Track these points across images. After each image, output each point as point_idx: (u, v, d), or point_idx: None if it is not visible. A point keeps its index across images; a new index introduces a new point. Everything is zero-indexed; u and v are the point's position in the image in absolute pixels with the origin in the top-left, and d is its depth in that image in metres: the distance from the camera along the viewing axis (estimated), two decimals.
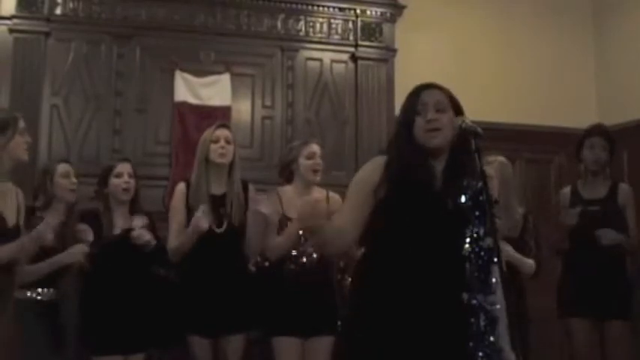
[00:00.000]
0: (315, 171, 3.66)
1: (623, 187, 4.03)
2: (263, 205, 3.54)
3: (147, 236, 3.50)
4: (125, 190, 3.64)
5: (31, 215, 3.37)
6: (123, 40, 4.90)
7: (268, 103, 5.12)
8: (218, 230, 3.55)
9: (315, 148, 3.70)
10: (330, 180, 4.08)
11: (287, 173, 3.76)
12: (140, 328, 3.54)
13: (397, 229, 2.14)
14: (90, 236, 3.45)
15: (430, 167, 2.19)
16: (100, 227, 3.56)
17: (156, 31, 4.95)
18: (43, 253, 3.27)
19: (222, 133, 3.66)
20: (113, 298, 3.46)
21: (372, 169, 2.24)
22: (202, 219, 3.43)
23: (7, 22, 4.71)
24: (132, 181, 3.66)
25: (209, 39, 5.06)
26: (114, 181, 3.63)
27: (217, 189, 3.64)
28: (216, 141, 3.62)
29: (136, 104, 4.88)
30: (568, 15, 5.98)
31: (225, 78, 4.98)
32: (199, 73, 4.95)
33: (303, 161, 3.67)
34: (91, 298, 3.51)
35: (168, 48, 4.94)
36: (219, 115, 4.86)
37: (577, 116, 5.78)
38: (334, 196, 3.72)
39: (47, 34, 4.76)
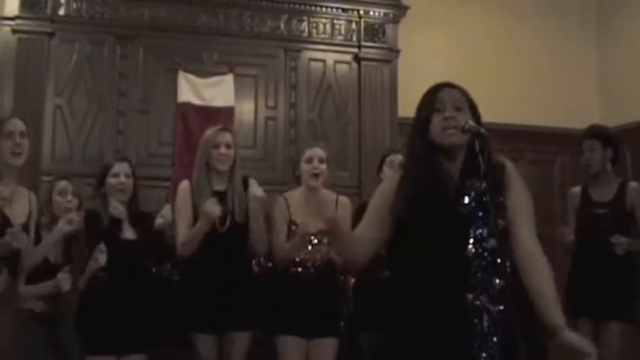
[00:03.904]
0: (313, 175, 3.60)
1: (632, 187, 3.93)
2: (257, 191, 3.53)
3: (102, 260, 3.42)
4: (121, 190, 3.57)
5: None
6: (126, 41, 4.90)
7: (271, 103, 5.12)
8: (221, 229, 3.54)
9: (315, 152, 3.64)
10: (334, 180, 4.07)
11: (296, 176, 3.74)
12: (137, 328, 3.54)
13: (416, 248, 2.10)
14: (103, 260, 3.39)
15: (443, 173, 2.14)
16: (102, 227, 3.51)
17: (159, 31, 4.95)
18: (48, 268, 3.27)
19: (224, 138, 3.60)
20: (112, 297, 3.43)
21: (388, 186, 2.20)
22: (214, 206, 3.41)
23: (11, 22, 4.72)
24: (128, 182, 3.58)
25: (212, 40, 5.06)
26: (110, 180, 3.56)
27: (219, 186, 3.64)
28: (217, 146, 3.60)
29: (139, 105, 4.88)
30: (571, 16, 5.98)
31: (228, 79, 4.98)
32: (202, 73, 4.95)
33: (302, 165, 3.63)
34: (90, 299, 3.46)
35: (171, 48, 4.94)
36: (222, 116, 4.87)
37: (580, 117, 5.77)
38: (343, 200, 3.70)
39: (50, 35, 4.76)
